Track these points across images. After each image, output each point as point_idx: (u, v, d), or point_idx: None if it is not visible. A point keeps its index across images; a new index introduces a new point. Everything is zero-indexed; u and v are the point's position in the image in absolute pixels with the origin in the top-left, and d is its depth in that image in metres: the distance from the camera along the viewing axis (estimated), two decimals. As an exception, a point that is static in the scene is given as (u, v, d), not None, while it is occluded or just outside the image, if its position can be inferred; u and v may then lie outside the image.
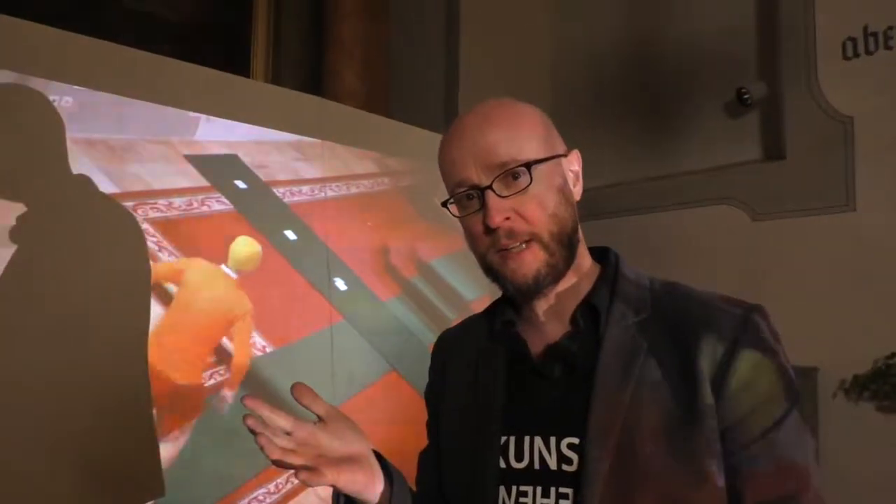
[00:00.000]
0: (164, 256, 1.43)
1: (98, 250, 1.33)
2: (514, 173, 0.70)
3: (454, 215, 0.74)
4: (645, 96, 2.57)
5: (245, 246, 1.52)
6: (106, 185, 1.36)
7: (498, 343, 0.79)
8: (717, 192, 2.31)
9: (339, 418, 0.70)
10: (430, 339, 1.88)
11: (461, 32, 2.79)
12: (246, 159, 1.60)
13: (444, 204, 0.75)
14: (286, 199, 1.65)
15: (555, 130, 0.78)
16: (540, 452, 0.72)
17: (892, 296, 1.89)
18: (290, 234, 1.64)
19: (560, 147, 0.77)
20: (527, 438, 0.73)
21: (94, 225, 1.34)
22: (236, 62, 2.44)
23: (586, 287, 0.75)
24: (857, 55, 1.96)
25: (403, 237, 1.88)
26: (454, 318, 1.97)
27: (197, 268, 1.44)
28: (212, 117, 1.53)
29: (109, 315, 1.32)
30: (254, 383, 1.52)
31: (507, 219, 0.70)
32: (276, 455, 0.62)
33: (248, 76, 2.41)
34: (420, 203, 1.95)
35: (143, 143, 1.44)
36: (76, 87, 1.34)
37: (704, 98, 2.42)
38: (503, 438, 0.74)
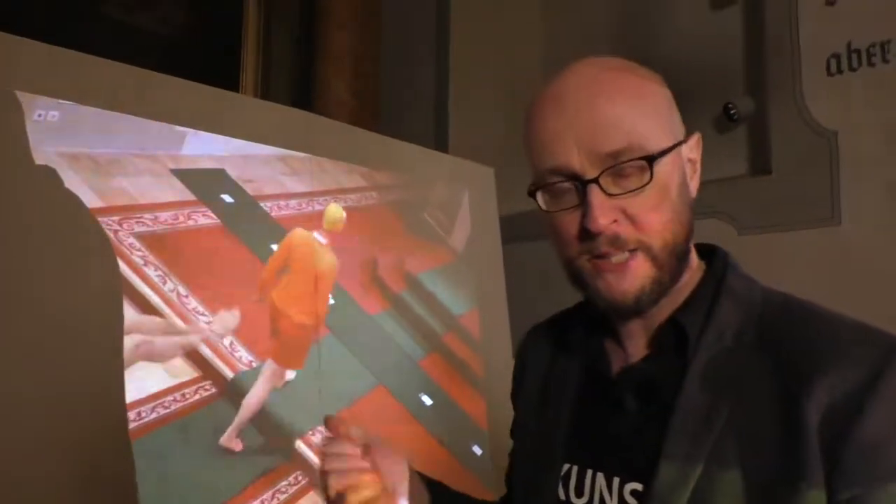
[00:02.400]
0: (150, 272, 1.42)
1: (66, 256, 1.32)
2: (628, 167, 0.55)
3: (541, 208, 0.59)
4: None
5: (336, 210, 1.78)
6: (91, 200, 1.35)
7: (574, 354, 0.68)
8: (705, 207, 2.33)
9: (380, 447, 0.67)
10: (418, 353, 1.87)
11: (451, 45, 2.81)
12: (233, 173, 1.59)
13: (532, 193, 0.60)
14: (274, 213, 1.65)
15: (676, 108, 0.62)
16: (601, 492, 0.61)
17: (877, 309, 1.90)
18: (278, 248, 1.64)
19: (680, 130, 0.62)
20: (589, 472, 0.63)
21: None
22: (226, 75, 2.44)
23: (683, 295, 0.61)
24: (840, 71, 1.98)
25: (392, 251, 1.88)
26: (443, 333, 1.97)
27: (299, 238, 1.69)
28: (199, 132, 1.53)
29: (81, 323, 1.31)
30: (240, 397, 1.51)
31: (615, 221, 0.56)
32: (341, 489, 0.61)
33: (237, 89, 2.41)
34: (409, 217, 1.95)
35: (130, 158, 1.44)
36: (62, 101, 1.33)
37: (692, 113, 2.42)
38: (566, 467, 0.65)
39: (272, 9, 2.49)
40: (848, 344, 0.54)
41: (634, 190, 0.56)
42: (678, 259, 0.59)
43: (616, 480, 0.60)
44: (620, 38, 2.71)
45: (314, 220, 1.71)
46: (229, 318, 1.52)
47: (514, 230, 2.37)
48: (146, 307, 1.40)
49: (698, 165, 0.63)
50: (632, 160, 0.55)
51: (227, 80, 2.37)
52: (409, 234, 1.94)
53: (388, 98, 2.89)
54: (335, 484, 0.64)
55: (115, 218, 1.40)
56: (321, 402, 1.65)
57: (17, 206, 1.26)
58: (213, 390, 1.48)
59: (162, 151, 1.48)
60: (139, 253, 1.41)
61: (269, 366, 1.57)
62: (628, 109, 0.57)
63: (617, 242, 0.57)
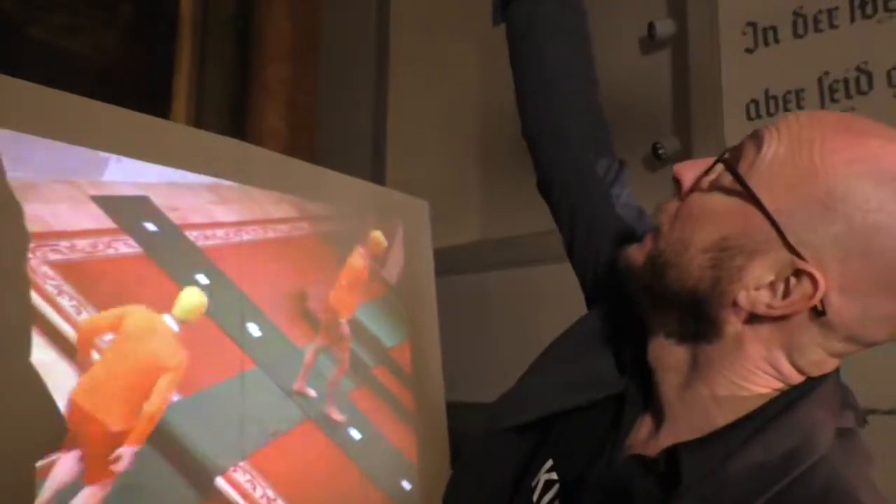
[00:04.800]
0: (64, 301, 1.37)
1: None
2: None
3: None
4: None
5: (194, 296, 1.50)
6: (2, 226, 1.30)
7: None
8: (634, 243, 2.39)
9: None
10: (347, 386, 1.85)
11: (390, 81, 2.83)
12: (157, 201, 1.56)
13: None
14: (199, 243, 1.61)
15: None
16: None
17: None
18: (203, 279, 1.60)
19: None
20: None
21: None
22: (157, 103, 2.40)
23: (729, 417, 0.54)
24: (759, 116, 2.08)
25: (322, 283, 1.86)
26: (373, 366, 1.95)
27: (138, 316, 1.40)
28: (122, 157, 1.49)
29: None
30: (159, 433, 1.45)
31: None
32: None
33: (168, 116, 2.37)
34: (341, 249, 1.94)
35: (47, 183, 1.39)
36: (-26, 123, 1.28)
37: (624, 151, 2.49)
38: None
39: (206, 38, 2.48)
40: None
41: None
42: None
43: None
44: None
45: (242, 252, 1.68)
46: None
47: (448, 263, 2.38)
48: (58, 339, 1.34)
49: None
50: None
51: (159, 107, 2.33)
52: (341, 267, 1.93)
53: (324, 130, 2.88)
54: None
55: (29, 245, 1.34)
56: (244, 436, 1.60)
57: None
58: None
59: (82, 177, 1.44)
60: (53, 282, 1.35)
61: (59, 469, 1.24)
62: None
63: None
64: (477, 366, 2.32)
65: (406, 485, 1.91)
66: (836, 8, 1.95)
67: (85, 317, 1.37)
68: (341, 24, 2.99)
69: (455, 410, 2.09)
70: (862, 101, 1.88)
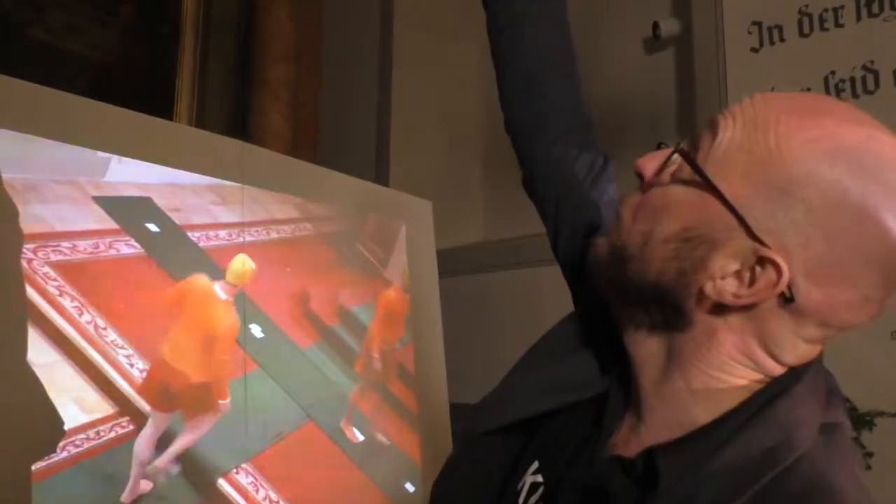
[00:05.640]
0: (65, 302, 1.36)
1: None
2: None
3: None
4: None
5: (242, 262, 1.65)
6: (3, 226, 1.29)
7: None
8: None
9: None
10: (350, 387, 1.84)
11: (393, 80, 2.83)
12: (160, 202, 1.55)
13: None
14: (202, 244, 1.61)
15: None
16: None
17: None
18: (205, 280, 1.59)
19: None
20: None
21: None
22: (159, 103, 2.39)
23: (708, 413, 0.53)
24: (765, 116, 2.07)
25: (325, 284, 1.85)
26: (376, 367, 1.94)
27: (197, 285, 1.55)
28: (124, 158, 1.49)
29: None
30: (161, 435, 1.45)
31: None
32: None
33: (171, 117, 2.36)
34: (343, 249, 1.93)
35: (48, 184, 1.38)
36: (-25, 123, 1.28)
37: (626, 151, 2.49)
38: None
39: (209, 37, 2.47)
40: None
41: None
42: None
43: None
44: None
45: (245, 252, 1.67)
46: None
47: (452, 264, 2.37)
48: (60, 339, 1.33)
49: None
50: None
51: (161, 108, 2.32)
52: (344, 268, 1.92)
53: (327, 130, 2.88)
54: None
55: (30, 246, 1.33)
56: (247, 437, 1.59)
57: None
58: (131, 427, 1.41)
59: (83, 178, 1.43)
60: (54, 283, 1.35)
61: (157, 416, 1.44)
62: None
63: None
64: (481, 367, 2.30)
65: (409, 487, 1.90)
66: (843, 7, 1.93)
67: (87, 318, 1.37)
68: (344, 23, 2.99)
69: (459, 411, 2.08)
70: (868, 99, 1.86)
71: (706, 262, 0.51)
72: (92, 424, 1.35)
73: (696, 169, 0.52)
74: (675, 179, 0.54)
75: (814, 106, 0.51)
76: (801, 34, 2.02)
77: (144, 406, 1.43)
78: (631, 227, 0.56)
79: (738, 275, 0.51)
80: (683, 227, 0.52)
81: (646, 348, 0.57)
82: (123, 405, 1.40)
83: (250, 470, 1.58)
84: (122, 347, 1.43)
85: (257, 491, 1.57)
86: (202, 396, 1.50)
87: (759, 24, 2.10)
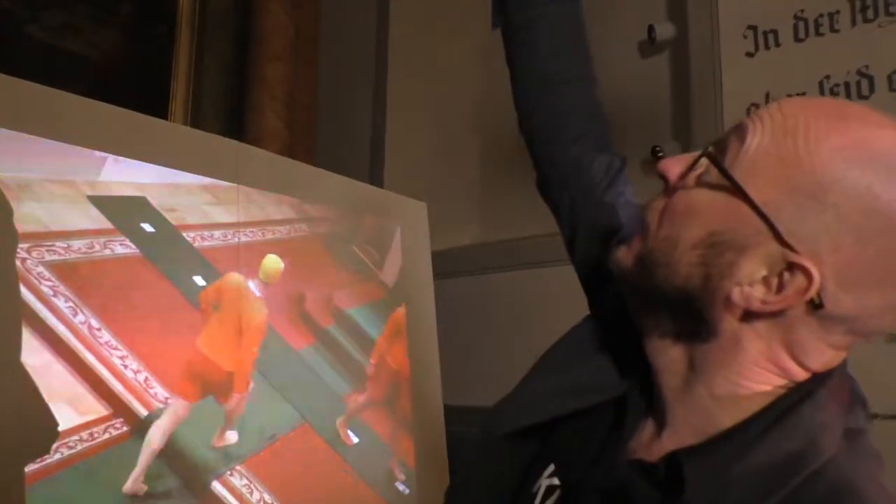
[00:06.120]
0: (59, 302, 1.35)
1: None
2: None
3: None
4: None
5: (274, 262, 1.74)
6: (-3, 226, 1.29)
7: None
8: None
9: None
10: (344, 389, 1.83)
11: (389, 81, 2.82)
12: (154, 202, 1.54)
13: None
14: (197, 244, 1.60)
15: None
16: None
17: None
18: (200, 280, 1.58)
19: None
20: None
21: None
22: (155, 102, 2.38)
23: (731, 418, 0.52)
24: (760, 120, 2.07)
25: (320, 285, 1.84)
26: (370, 368, 1.93)
27: (232, 282, 1.64)
28: (119, 157, 1.48)
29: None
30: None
31: None
32: None
33: (166, 116, 2.35)
34: (339, 251, 1.92)
35: (43, 183, 1.38)
36: (-30, 121, 1.27)
37: (622, 155, 2.49)
38: None
39: (204, 36, 2.46)
40: None
41: None
42: None
43: None
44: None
45: (240, 253, 1.67)
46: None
47: (447, 266, 2.37)
48: (54, 340, 1.32)
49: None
50: None
51: (157, 106, 2.31)
52: (339, 269, 1.91)
53: (323, 130, 2.87)
54: None
55: (24, 245, 1.33)
56: (242, 439, 1.59)
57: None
58: (125, 429, 1.40)
59: (78, 177, 1.43)
60: (48, 283, 1.34)
61: (178, 404, 1.49)
62: None
63: None
64: (476, 369, 2.30)
65: (403, 488, 1.90)
66: (838, 12, 1.94)
67: (81, 318, 1.36)
68: (341, 23, 2.98)
69: (454, 414, 2.07)
70: (863, 104, 1.87)
71: (733, 268, 0.50)
72: (86, 426, 1.34)
73: (725, 173, 0.51)
74: (701, 183, 0.54)
75: (840, 110, 0.51)
76: (797, 39, 2.03)
77: (139, 407, 1.42)
78: (657, 234, 0.56)
79: (765, 281, 0.50)
80: (710, 233, 0.51)
81: (668, 355, 0.56)
82: (117, 407, 1.40)
83: (244, 472, 1.58)
84: (116, 348, 1.42)
85: (251, 493, 1.57)
86: (227, 386, 1.59)
87: (754, 29, 2.11)
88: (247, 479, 1.58)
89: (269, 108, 2.40)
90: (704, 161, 0.54)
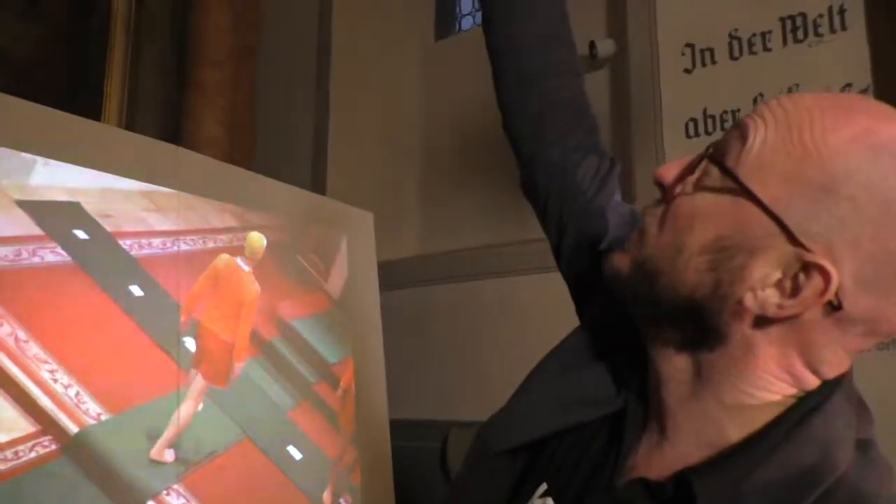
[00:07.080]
0: (-18, 312, 1.26)
1: None
2: None
3: None
4: (510, 162, 2.65)
5: (258, 238, 1.79)
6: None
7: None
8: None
9: None
10: (287, 404, 1.78)
11: (331, 87, 2.78)
12: (89, 208, 1.46)
13: None
14: (133, 252, 1.52)
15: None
16: None
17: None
18: (137, 290, 1.51)
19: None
20: None
21: None
22: (88, 103, 2.27)
23: (739, 429, 0.51)
24: (697, 134, 2.14)
25: (264, 296, 1.79)
26: (315, 382, 1.88)
27: (223, 262, 1.70)
28: (50, 160, 1.40)
29: None
30: (85, 454, 1.36)
31: None
32: None
33: (99, 118, 2.25)
34: (283, 261, 1.87)
35: (-34, 185, 1.29)
36: None
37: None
38: None
39: (140, 36, 2.36)
40: None
41: None
42: None
43: None
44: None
45: (179, 262, 1.60)
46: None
47: (393, 277, 2.34)
48: (-24, 353, 1.23)
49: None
50: None
51: (89, 108, 2.20)
52: (283, 279, 1.86)
53: (263, 137, 2.80)
54: None
55: (-56, 252, 1.23)
56: (178, 458, 1.51)
57: None
58: (54, 447, 1.32)
59: (6, 180, 1.34)
60: (-29, 292, 1.25)
61: (199, 382, 1.57)
62: None
63: None
64: (420, 382, 2.28)
65: (348, 504, 1.85)
66: (770, 32, 2.02)
67: (7, 329, 1.27)
68: (282, 27, 2.92)
69: (399, 428, 2.04)
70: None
71: (745, 272, 0.48)
72: (10, 444, 1.25)
73: (728, 172, 0.49)
74: (702, 187, 0.52)
75: (844, 102, 0.50)
76: (732, 57, 2.10)
77: (69, 424, 1.34)
78: (657, 240, 0.53)
79: (779, 284, 0.48)
80: (717, 236, 0.49)
81: (673, 364, 0.54)
82: (46, 423, 1.31)
83: (182, 491, 1.51)
84: (45, 362, 1.33)
85: (190, 513, 1.49)
86: (226, 360, 1.67)
87: (691, 47, 2.18)
88: (184, 497, 1.50)
89: (207, 113, 2.32)
90: (703, 164, 0.52)
